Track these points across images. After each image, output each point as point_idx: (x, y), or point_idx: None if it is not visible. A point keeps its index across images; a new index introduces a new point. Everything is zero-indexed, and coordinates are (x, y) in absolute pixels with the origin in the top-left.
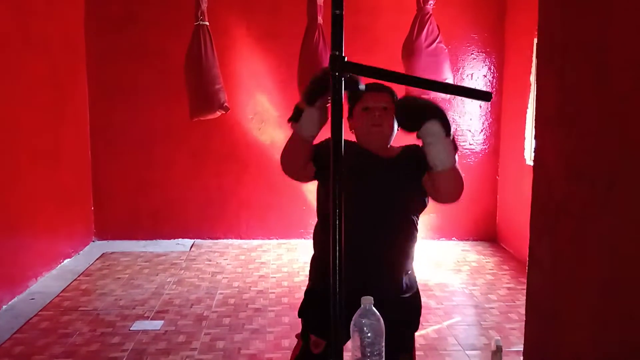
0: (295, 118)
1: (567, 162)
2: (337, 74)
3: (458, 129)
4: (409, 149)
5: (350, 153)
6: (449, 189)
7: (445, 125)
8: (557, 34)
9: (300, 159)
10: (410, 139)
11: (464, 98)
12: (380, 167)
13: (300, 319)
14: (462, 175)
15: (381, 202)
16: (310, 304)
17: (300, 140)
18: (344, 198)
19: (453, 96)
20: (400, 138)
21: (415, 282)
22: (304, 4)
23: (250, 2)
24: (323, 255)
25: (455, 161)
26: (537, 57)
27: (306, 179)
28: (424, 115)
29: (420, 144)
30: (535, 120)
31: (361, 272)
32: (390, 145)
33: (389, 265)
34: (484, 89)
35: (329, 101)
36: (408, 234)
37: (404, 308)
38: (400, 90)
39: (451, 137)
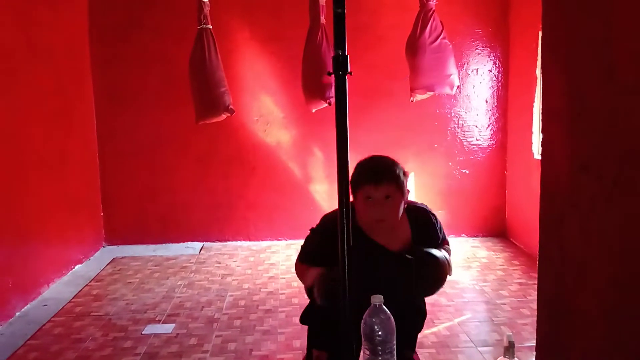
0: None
1: (574, 156)
2: (340, 72)
3: (465, 125)
4: (420, 235)
5: (357, 241)
6: None
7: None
8: (561, 27)
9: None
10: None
11: (469, 93)
12: (388, 264)
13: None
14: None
15: (389, 295)
16: (314, 315)
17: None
18: (352, 288)
19: (459, 91)
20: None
21: None
22: (306, 5)
23: (253, 5)
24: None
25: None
26: (541, 50)
27: None
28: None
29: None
30: (541, 113)
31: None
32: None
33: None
34: (490, 83)
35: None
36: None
37: (410, 306)
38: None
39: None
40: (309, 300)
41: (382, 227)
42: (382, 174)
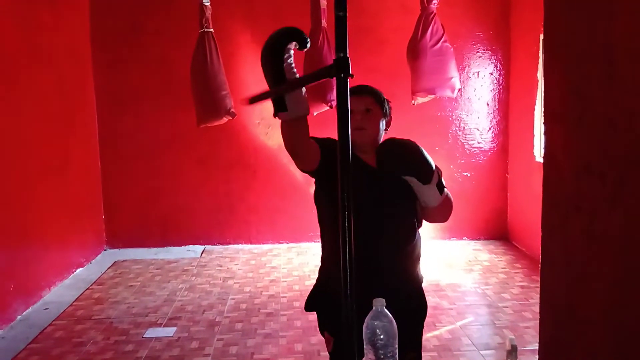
0: (280, 108)
1: (576, 158)
2: (342, 75)
3: (466, 127)
4: None
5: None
6: (437, 218)
7: (424, 174)
8: (562, 30)
9: (303, 138)
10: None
11: (470, 96)
12: (370, 179)
13: (317, 318)
14: (451, 199)
15: (371, 213)
16: (318, 301)
17: (294, 123)
18: (332, 210)
19: (460, 94)
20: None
21: (420, 280)
22: (308, 8)
23: (254, 9)
24: (325, 259)
25: (440, 198)
26: (543, 53)
27: (313, 162)
28: (401, 170)
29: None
30: (543, 116)
31: (362, 276)
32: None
33: (389, 267)
34: (491, 86)
35: (293, 67)
36: (405, 237)
37: (409, 304)
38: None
39: (432, 180)
40: (312, 288)
41: (360, 139)
42: (363, 88)
